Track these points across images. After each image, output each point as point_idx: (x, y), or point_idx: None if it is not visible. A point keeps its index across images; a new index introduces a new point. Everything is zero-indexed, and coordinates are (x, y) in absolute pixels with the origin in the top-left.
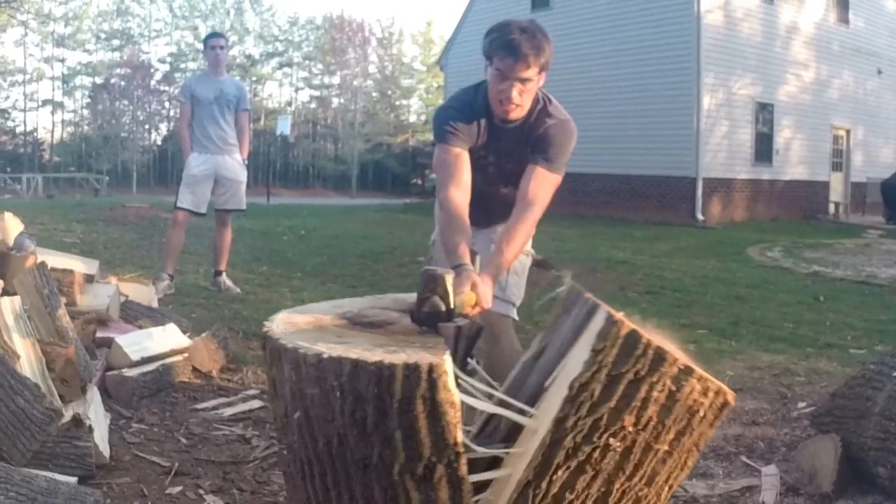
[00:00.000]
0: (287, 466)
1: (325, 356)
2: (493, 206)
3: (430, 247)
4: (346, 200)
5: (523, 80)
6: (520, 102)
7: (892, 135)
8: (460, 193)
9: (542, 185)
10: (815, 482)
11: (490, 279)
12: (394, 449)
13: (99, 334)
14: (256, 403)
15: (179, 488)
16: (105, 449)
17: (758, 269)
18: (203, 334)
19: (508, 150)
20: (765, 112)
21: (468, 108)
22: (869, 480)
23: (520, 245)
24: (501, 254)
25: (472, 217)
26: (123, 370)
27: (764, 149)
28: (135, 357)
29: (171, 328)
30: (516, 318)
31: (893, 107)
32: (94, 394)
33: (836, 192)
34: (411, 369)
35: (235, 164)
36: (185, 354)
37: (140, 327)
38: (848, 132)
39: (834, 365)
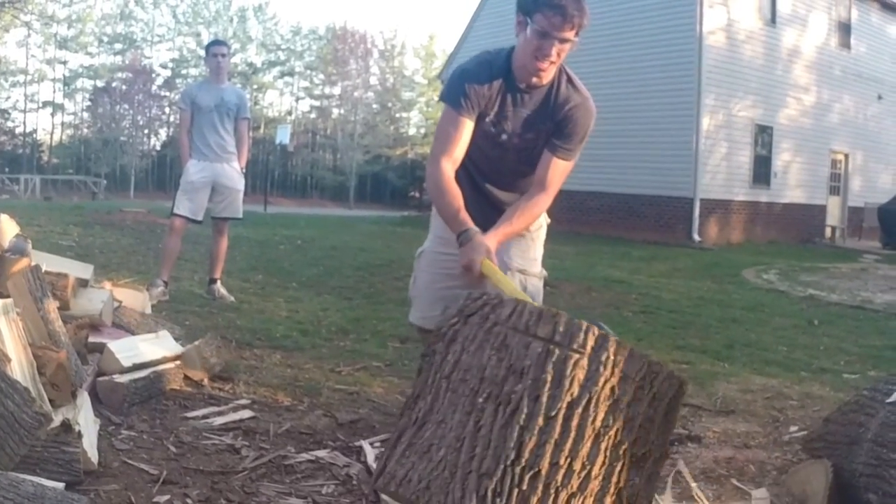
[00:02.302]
0: None
1: None
2: (502, 191)
3: (416, 259)
4: (344, 211)
5: (563, 41)
6: (556, 61)
7: (892, 160)
8: (449, 165)
9: (558, 173)
10: None
11: (495, 242)
12: None
13: (91, 339)
14: (247, 413)
15: (167, 497)
16: (94, 455)
17: (753, 292)
18: (196, 342)
19: (530, 120)
20: (764, 135)
21: (487, 67)
22: None
23: (528, 222)
24: (510, 224)
25: (472, 214)
26: (115, 376)
27: (762, 171)
28: (126, 363)
29: (164, 335)
30: None
31: (893, 133)
32: (84, 399)
33: (834, 217)
34: None
35: (234, 173)
36: (178, 362)
37: (133, 333)
38: (847, 157)
39: (827, 389)
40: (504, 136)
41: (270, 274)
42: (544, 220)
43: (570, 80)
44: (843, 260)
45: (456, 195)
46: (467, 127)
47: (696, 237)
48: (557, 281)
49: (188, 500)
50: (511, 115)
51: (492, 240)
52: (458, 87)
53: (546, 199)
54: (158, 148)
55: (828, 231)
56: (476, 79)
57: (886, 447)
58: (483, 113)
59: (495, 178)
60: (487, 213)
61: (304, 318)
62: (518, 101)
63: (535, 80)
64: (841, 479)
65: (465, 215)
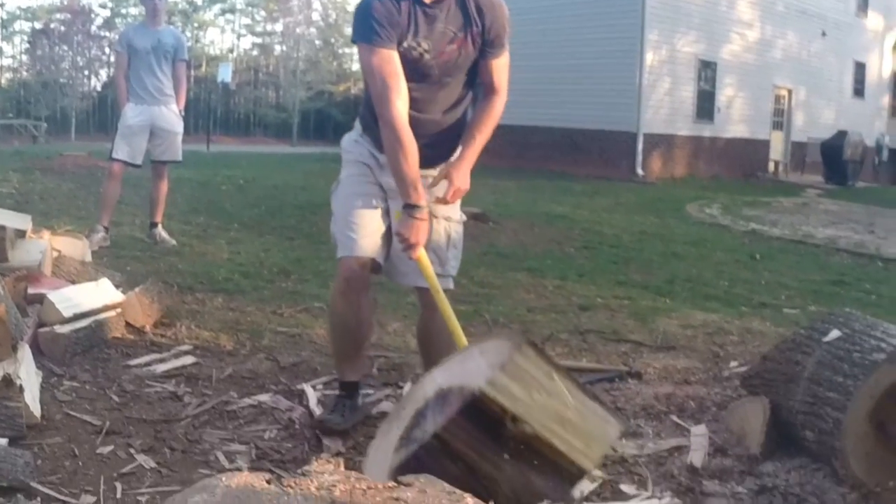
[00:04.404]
0: None
1: None
2: (441, 127)
3: (332, 195)
4: (287, 149)
5: None
6: None
7: (834, 96)
8: (403, 107)
9: (503, 71)
10: (743, 444)
11: (466, 169)
12: None
13: (31, 291)
14: (189, 359)
15: (110, 448)
16: (36, 409)
17: (696, 227)
18: (136, 289)
19: (447, 32)
20: (707, 70)
21: None
22: (797, 443)
23: (491, 130)
24: (475, 141)
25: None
26: (55, 327)
27: (706, 106)
28: (67, 313)
29: (105, 283)
30: (452, 287)
31: (836, 69)
32: (25, 352)
33: (777, 151)
34: None
35: (172, 116)
36: (119, 310)
37: (73, 283)
38: (790, 92)
39: (767, 325)
40: (427, 56)
41: (212, 216)
42: None
43: None
44: (786, 194)
45: (413, 154)
46: (396, 57)
47: (640, 172)
48: (500, 217)
49: (131, 450)
50: (427, 33)
51: (464, 169)
52: (369, 22)
53: (502, 101)
54: (99, 89)
55: (771, 166)
56: (384, 7)
57: (822, 386)
58: (400, 39)
59: (422, 104)
60: (426, 140)
61: (245, 260)
62: (430, 16)
63: None
64: (779, 417)
65: (421, 187)
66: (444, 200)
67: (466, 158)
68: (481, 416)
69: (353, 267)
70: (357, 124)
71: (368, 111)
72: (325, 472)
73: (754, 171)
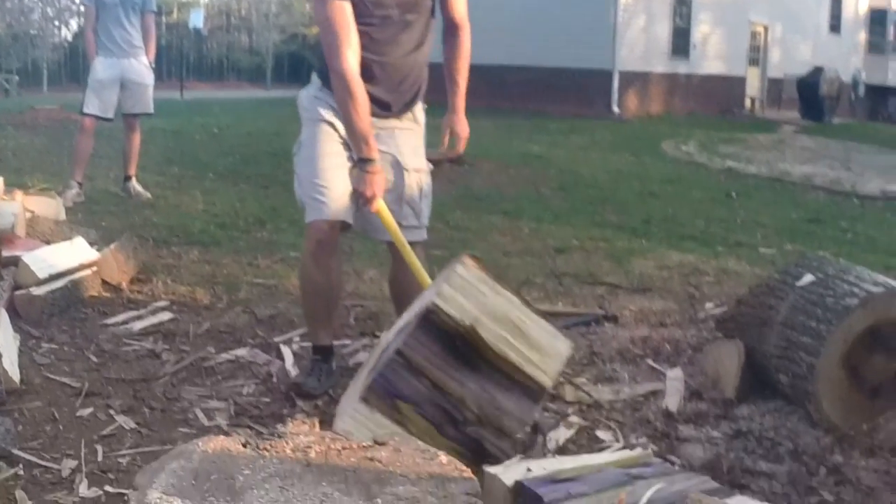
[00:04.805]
0: None
1: None
2: (404, 71)
3: (294, 156)
4: (262, 93)
5: None
6: None
7: (811, 33)
8: (355, 59)
9: (462, 3)
10: (718, 387)
11: (463, 117)
12: None
13: (5, 253)
14: (166, 315)
15: (90, 410)
16: (15, 374)
17: (672, 165)
18: (112, 246)
19: None
20: (683, 6)
21: None
22: (772, 387)
23: (467, 72)
24: (459, 88)
25: (377, 101)
26: (31, 289)
27: (681, 43)
28: (42, 275)
29: (79, 242)
30: (426, 236)
31: (813, 5)
32: (2, 316)
33: (753, 88)
34: None
35: (142, 68)
36: (94, 268)
37: (47, 243)
38: (766, 28)
39: (743, 264)
40: (394, 14)
41: (186, 166)
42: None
43: None
44: (763, 131)
45: (365, 108)
46: (348, 8)
47: (616, 110)
48: (476, 159)
49: (111, 412)
50: None
51: (462, 118)
52: None
53: (468, 34)
54: (70, 39)
55: (747, 102)
56: None
57: (795, 330)
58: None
59: (384, 47)
60: (388, 86)
61: (220, 211)
62: None
63: None
64: (753, 360)
65: (374, 139)
66: (456, 153)
67: (459, 108)
68: (438, 332)
69: (324, 230)
70: (314, 78)
71: (325, 64)
72: (301, 433)
73: (730, 107)
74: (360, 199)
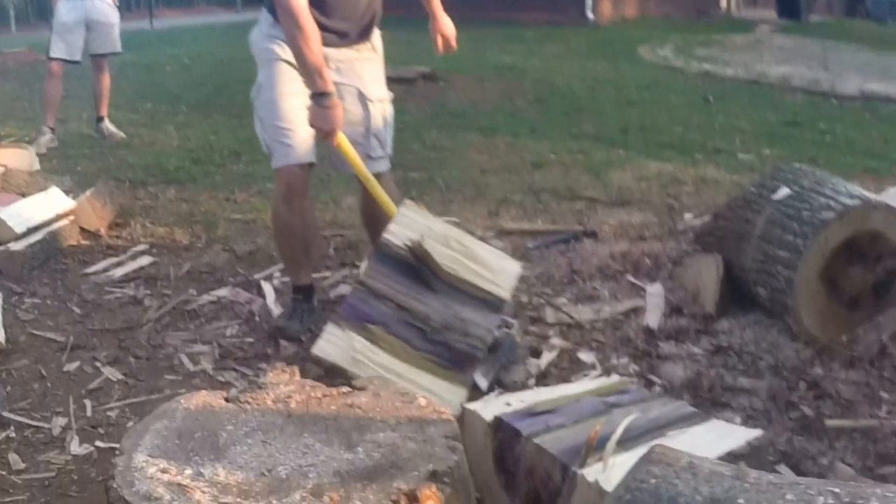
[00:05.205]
0: None
1: None
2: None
3: (254, 100)
4: (233, 17)
5: None
6: None
7: None
8: None
9: None
10: (698, 302)
11: (444, 17)
12: None
13: None
14: (146, 260)
15: (76, 364)
16: (0, 333)
17: (649, 70)
18: (87, 192)
19: None
20: None
21: None
22: (751, 299)
23: None
24: None
25: (333, 31)
26: (10, 245)
27: None
28: (19, 229)
29: (54, 192)
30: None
31: None
32: None
33: None
34: None
35: (105, 7)
36: (72, 217)
37: (22, 196)
38: None
39: (721, 172)
40: None
41: (159, 100)
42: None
43: None
44: (739, 31)
45: (317, 43)
46: None
47: (590, 15)
48: (449, 74)
49: (97, 364)
50: None
51: (444, 18)
52: None
53: None
54: None
55: (723, 2)
56: None
57: (773, 244)
58: None
59: None
60: (343, 14)
61: (195, 146)
62: None
63: None
64: (732, 274)
65: (327, 73)
66: (452, 50)
67: (438, 12)
68: (395, 262)
69: (294, 173)
70: (265, 16)
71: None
72: (281, 382)
73: (706, 8)
74: (318, 135)
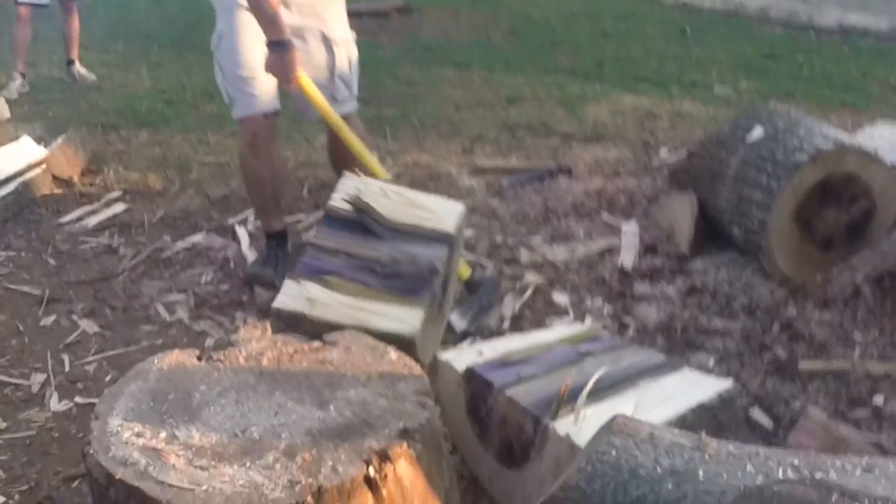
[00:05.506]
0: None
1: None
2: None
3: (214, 49)
4: None
5: None
6: None
7: None
8: None
9: None
10: (672, 241)
11: None
12: None
13: None
14: (120, 207)
15: (53, 317)
16: None
17: (625, 1)
18: (59, 140)
19: None
20: None
21: None
22: (725, 238)
23: None
24: None
25: None
26: None
27: None
28: None
29: (26, 141)
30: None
31: None
32: None
33: None
34: None
35: None
36: (44, 165)
37: None
38: None
39: (697, 106)
40: None
41: (130, 40)
42: None
43: None
44: None
45: None
46: None
47: None
48: (424, 6)
49: (74, 317)
50: None
51: None
52: None
53: None
54: None
55: None
56: None
57: (747, 185)
58: None
59: None
60: None
61: (167, 86)
62: None
63: None
64: (706, 213)
65: (282, 20)
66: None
67: None
68: (342, 224)
69: (258, 122)
70: None
71: None
72: (253, 338)
73: None
74: (279, 82)
